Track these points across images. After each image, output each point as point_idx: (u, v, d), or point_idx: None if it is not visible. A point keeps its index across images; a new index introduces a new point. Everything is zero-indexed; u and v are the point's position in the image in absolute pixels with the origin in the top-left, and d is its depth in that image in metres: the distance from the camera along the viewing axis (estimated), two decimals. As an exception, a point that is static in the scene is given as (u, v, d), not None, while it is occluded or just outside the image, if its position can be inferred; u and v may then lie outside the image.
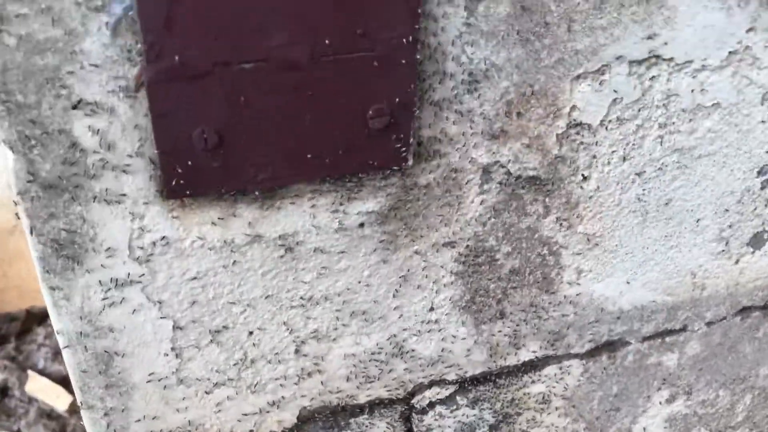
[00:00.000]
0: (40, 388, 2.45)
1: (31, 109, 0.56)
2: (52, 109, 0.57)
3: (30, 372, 2.51)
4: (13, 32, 0.53)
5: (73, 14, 0.54)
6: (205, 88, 0.59)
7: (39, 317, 2.71)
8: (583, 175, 0.78)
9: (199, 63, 0.57)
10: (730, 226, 0.90)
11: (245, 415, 0.78)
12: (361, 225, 0.72)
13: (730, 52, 0.75)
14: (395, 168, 0.69)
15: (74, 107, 0.57)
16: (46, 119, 0.57)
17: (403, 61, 0.63)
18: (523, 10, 0.65)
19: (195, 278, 0.68)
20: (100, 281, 0.65)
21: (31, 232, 0.61)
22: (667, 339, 0.97)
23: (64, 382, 2.44)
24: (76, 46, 0.55)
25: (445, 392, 0.88)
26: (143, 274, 0.66)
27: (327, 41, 0.60)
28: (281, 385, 0.78)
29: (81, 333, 0.67)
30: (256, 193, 0.66)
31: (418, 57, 0.64)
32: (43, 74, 0.55)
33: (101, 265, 0.64)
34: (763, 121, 0.82)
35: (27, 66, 0.54)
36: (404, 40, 0.62)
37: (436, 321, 0.81)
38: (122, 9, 0.55)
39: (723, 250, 0.92)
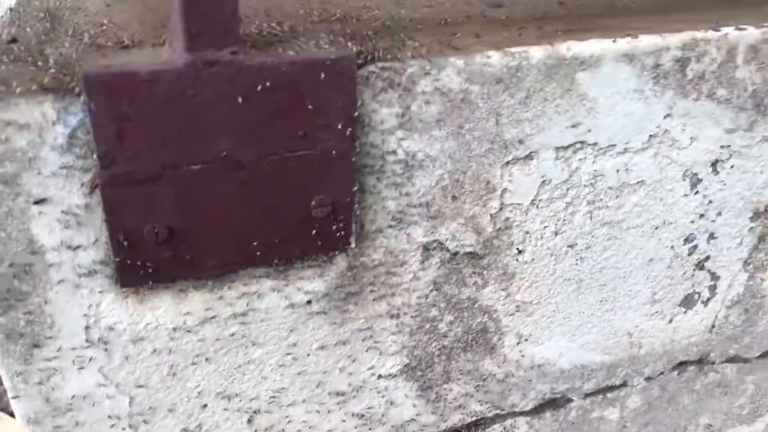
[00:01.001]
0: (9, 429, 2.44)
1: (-9, 213, 0.60)
2: (10, 211, 0.61)
3: (1, 414, 2.50)
4: (-26, 145, 0.57)
5: (31, 127, 0.58)
6: (155, 189, 0.63)
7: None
8: (517, 249, 0.83)
9: (149, 167, 0.62)
10: (662, 290, 0.96)
11: (201, 482, 0.82)
12: (309, 302, 0.77)
13: (650, 136, 0.82)
14: (339, 251, 0.74)
15: (32, 209, 0.61)
16: (4, 221, 0.61)
17: (342, 157, 0.69)
18: (452, 108, 0.71)
19: (150, 357, 0.72)
20: (58, 365, 0.69)
21: (-8, 322, 0.65)
22: (609, 395, 1.02)
23: (35, 425, 2.43)
24: (33, 155, 0.60)
25: (395, 453, 0.92)
26: (100, 357, 0.70)
27: (270, 144, 0.65)
28: (235, 453, 0.82)
29: (41, 413, 0.70)
30: (207, 278, 0.70)
31: (357, 152, 0.69)
32: (1, 181, 0.59)
33: (59, 349, 0.68)
34: (686, 195, 0.88)
35: (-13, 175, 0.59)
36: (342, 139, 0.67)
37: (385, 387, 0.86)
38: (77, 121, 0.60)
39: (657, 312, 0.97)
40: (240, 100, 0.62)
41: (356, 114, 0.67)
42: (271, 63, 0.62)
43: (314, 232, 0.71)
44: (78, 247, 0.64)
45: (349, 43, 0.67)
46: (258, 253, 0.70)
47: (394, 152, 0.72)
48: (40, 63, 0.64)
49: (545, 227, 0.83)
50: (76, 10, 0.80)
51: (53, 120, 0.59)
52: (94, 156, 0.61)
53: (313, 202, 0.70)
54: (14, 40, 0.72)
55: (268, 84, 0.62)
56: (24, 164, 0.60)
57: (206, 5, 0.58)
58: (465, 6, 0.90)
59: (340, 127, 0.67)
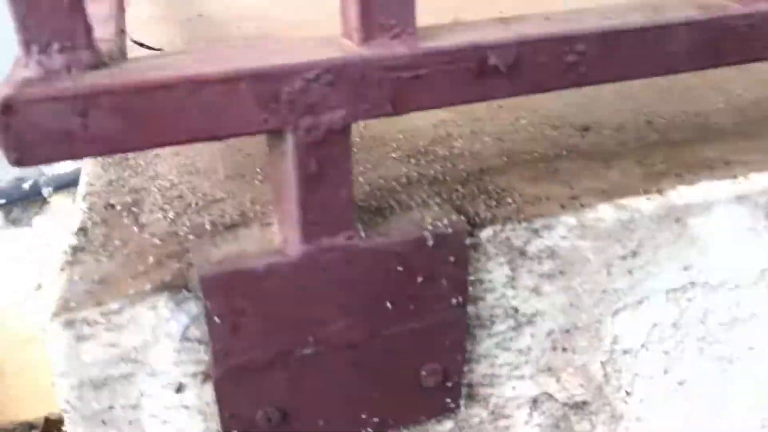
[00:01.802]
0: None
1: (103, 412, 0.58)
2: (123, 409, 0.59)
3: None
4: (89, 350, 0.56)
5: (144, 328, 0.57)
6: (267, 376, 0.61)
7: (58, 423, 2.70)
8: (626, 391, 0.79)
9: (262, 357, 0.60)
10: (771, 415, 0.91)
11: None
12: (415, 464, 0.73)
13: (762, 270, 0.78)
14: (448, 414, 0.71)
15: (144, 405, 0.59)
16: (118, 418, 0.59)
17: (453, 325, 0.66)
18: (563, 264, 0.68)
19: None
20: None
21: None
22: None
23: None
24: (147, 353, 0.58)
25: None
26: None
27: (382, 321, 0.62)
28: None
29: None
30: (315, 453, 0.68)
31: (468, 318, 0.66)
32: (116, 382, 0.57)
33: None
34: (798, 322, 0.84)
35: (101, 377, 0.57)
36: (454, 308, 0.65)
37: None
38: (189, 318, 0.58)
39: (766, 437, 0.92)
40: (353, 282, 0.60)
41: (468, 280, 0.64)
42: (383, 244, 0.60)
43: (423, 400, 0.68)
44: (188, 436, 0.62)
45: (455, 203, 0.65)
46: (366, 425, 0.67)
47: (504, 311, 0.69)
48: (149, 248, 0.63)
49: (654, 368, 0.79)
50: (160, 162, 0.79)
51: (166, 318, 0.57)
52: (206, 348, 0.59)
53: (423, 372, 0.67)
54: (111, 206, 0.71)
55: (380, 264, 0.60)
56: (137, 364, 0.58)
57: (323, 195, 0.56)
58: (550, 130, 0.87)
59: (451, 297, 0.64)
